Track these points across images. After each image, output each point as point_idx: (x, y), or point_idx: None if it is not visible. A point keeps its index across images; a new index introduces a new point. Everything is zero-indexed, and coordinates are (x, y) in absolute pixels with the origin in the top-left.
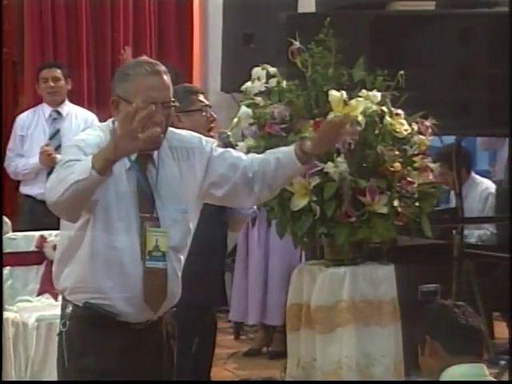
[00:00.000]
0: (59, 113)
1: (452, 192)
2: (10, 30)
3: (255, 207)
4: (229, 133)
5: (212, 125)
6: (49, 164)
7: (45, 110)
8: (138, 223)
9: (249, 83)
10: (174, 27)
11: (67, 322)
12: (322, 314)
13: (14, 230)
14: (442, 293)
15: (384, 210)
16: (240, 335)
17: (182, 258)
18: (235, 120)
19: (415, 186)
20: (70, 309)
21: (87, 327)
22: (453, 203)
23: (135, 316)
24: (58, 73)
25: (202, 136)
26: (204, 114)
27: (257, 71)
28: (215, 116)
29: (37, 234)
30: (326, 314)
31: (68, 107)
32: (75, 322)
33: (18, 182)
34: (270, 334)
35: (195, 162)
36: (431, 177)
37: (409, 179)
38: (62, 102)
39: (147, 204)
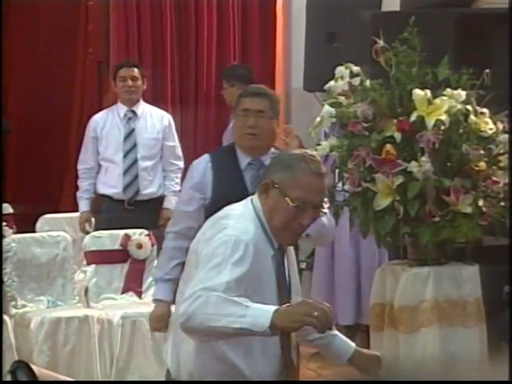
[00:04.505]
0: (134, 112)
1: None
2: (96, 31)
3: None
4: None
5: (246, 131)
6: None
7: (119, 109)
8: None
9: (332, 82)
10: (257, 27)
11: None
12: (405, 314)
13: (98, 229)
14: None
15: (468, 210)
16: None
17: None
18: (318, 119)
19: (500, 185)
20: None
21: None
22: None
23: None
24: (136, 72)
25: None
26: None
27: (340, 70)
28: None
29: (121, 232)
30: (409, 314)
31: (143, 107)
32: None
33: None
34: (352, 333)
35: None
36: None
37: (494, 179)
38: (138, 101)
39: (284, 293)
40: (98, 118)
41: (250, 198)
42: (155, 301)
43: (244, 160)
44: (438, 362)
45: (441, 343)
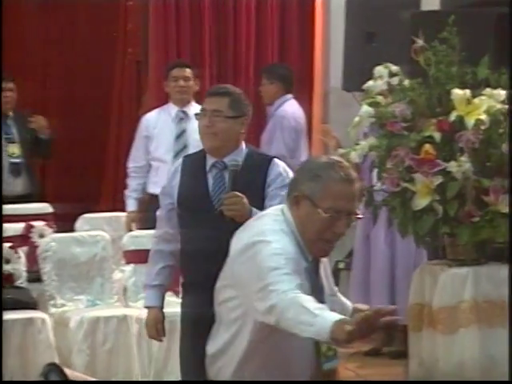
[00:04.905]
0: (185, 113)
1: None
2: (135, 31)
3: None
4: (240, 163)
5: (204, 131)
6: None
7: (171, 109)
8: None
9: (371, 82)
10: (296, 26)
11: None
12: (444, 315)
13: (140, 228)
14: None
15: (508, 210)
16: None
17: None
18: (356, 119)
19: None
20: None
21: None
22: None
23: None
24: (189, 72)
25: None
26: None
27: (379, 70)
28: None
29: None
30: (448, 314)
31: (194, 108)
32: None
33: None
34: (390, 333)
35: None
36: None
37: None
38: (189, 102)
39: (319, 301)
40: (149, 116)
41: (279, 208)
42: (146, 307)
43: (209, 161)
44: (478, 363)
45: (480, 344)
